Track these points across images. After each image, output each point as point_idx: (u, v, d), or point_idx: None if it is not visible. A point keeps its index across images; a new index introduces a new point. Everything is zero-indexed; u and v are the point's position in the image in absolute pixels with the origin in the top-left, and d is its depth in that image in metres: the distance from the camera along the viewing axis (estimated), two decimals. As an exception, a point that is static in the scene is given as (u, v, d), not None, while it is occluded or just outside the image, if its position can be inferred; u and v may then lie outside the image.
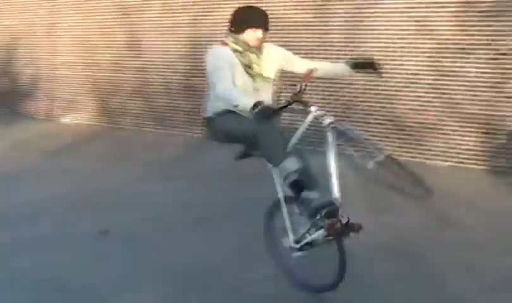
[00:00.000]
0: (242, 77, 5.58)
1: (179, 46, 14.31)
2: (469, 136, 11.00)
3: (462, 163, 11.07)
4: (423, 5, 11.35)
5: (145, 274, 5.77)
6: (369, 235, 6.77)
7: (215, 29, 13.56)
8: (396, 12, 11.62)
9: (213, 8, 13.82)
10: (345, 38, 12.15)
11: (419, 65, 11.42)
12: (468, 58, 10.98)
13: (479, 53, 10.89)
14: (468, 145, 11.04)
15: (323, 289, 5.24)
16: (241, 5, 6.05)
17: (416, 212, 7.81)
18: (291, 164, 5.19)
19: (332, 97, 12.30)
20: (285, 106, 5.38)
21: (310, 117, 5.44)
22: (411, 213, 7.73)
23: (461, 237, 6.79)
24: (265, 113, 4.83)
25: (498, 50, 10.75)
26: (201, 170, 10.33)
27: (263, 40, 5.74)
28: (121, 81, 15.52)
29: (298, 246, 5.30)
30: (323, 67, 6.13)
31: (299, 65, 6.01)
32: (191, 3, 14.22)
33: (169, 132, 14.58)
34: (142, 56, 15.02)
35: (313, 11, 12.52)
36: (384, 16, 11.74)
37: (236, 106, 5.12)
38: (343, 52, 12.11)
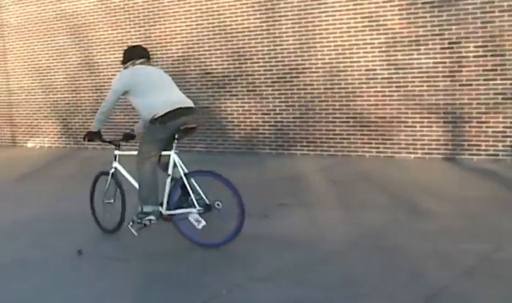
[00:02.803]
0: None
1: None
2: (432, 127, 11.17)
3: (428, 154, 11.25)
4: (370, 0, 11.41)
5: None
6: (338, 231, 6.98)
7: (167, 42, 13.57)
8: (344, 9, 11.67)
9: (162, 21, 13.76)
10: (298, 40, 12.19)
11: (374, 60, 11.52)
12: (420, 49, 11.11)
13: (431, 44, 11.03)
14: (431, 136, 11.21)
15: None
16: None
17: (387, 205, 8.00)
18: None
19: (291, 100, 12.37)
20: None
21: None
22: (382, 207, 7.94)
23: (432, 226, 6.91)
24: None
25: (449, 39, 10.87)
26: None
27: None
28: (79, 101, 15.44)
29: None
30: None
31: None
32: (140, 18, 14.12)
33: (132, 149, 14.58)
34: (98, 74, 14.95)
35: (264, 16, 12.51)
36: (332, 15, 11.79)
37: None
38: (297, 54, 12.19)
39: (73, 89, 15.52)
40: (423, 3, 11.03)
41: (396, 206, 7.95)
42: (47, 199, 9.64)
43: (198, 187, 6.55)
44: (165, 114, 6.40)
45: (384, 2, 11.35)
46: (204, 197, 6.53)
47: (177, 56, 13.67)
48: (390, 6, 11.29)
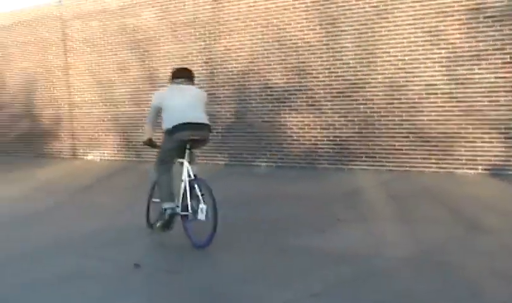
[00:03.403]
0: None
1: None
2: (493, 142, 11.06)
3: (488, 169, 11.14)
4: (432, 15, 11.39)
5: None
6: (396, 246, 6.99)
7: (228, 56, 13.72)
8: (406, 24, 11.66)
9: (224, 35, 13.92)
10: (358, 55, 12.21)
11: (435, 75, 11.47)
12: (481, 64, 11.03)
13: (492, 59, 10.93)
14: (492, 151, 11.10)
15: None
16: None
17: (446, 221, 7.95)
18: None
19: (350, 115, 12.38)
20: None
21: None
22: (441, 223, 7.88)
23: (492, 243, 6.81)
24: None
25: (510, 54, 10.77)
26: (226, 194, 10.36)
27: None
28: (140, 115, 15.68)
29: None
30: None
31: None
32: (201, 32, 14.30)
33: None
34: (158, 88, 15.16)
35: (324, 31, 12.57)
36: (394, 29, 11.79)
37: None
38: (357, 69, 12.21)
39: (134, 103, 15.77)
40: (484, 17, 10.95)
41: (455, 222, 7.89)
42: (108, 211, 9.82)
43: (198, 192, 7.36)
44: (174, 127, 7.48)
45: (445, 16, 11.30)
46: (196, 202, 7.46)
47: (238, 70, 13.81)
48: (451, 21, 11.24)
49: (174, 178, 7.74)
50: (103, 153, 16.68)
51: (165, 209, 7.62)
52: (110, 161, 16.30)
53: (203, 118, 7.64)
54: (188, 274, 6.31)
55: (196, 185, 7.43)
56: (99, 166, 15.60)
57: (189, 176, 7.52)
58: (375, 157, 12.24)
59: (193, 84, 8.01)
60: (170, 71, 7.59)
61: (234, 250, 7.05)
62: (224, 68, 14.03)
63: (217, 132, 14.31)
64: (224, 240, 7.55)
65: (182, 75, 7.96)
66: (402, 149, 11.91)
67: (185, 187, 7.54)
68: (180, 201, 7.65)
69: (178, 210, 7.61)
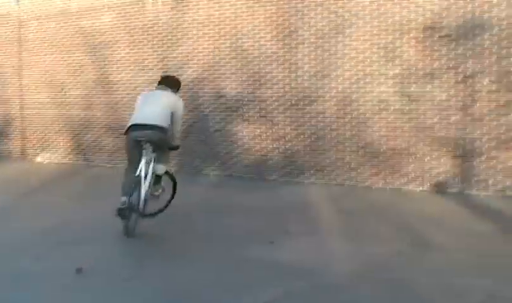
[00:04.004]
0: None
1: (149, 82, 14.33)
2: (442, 160, 11.10)
3: (436, 187, 11.16)
4: (388, 32, 11.45)
5: None
6: (343, 260, 6.94)
7: (183, 63, 13.66)
8: (362, 39, 11.71)
9: (181, 42, 13.86)
10: (313, 68, 12.21)
11: (388, 91, 11.50)
12: (434, 82, 11.09)
13: (445, 77, 11.01)
14: (439, 169, 11.13)
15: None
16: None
17: (393, 237, 7.93)
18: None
19: (302, 128, 12.35)
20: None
21: None
22: (388, 239, 7.86)
23: (438, 260, 6.85)
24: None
25: (463, 73, 10.86)
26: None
27: None
28: (92, 119, 15.49)
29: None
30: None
31: None
32: (158, 38, 14.22)
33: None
34: (112, 93, 15.01)
35: (281, 42, 12.56)
36: (350, 44, 11.83)
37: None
38: (311, 82, 12.20)
39: (86, 106, 15.56)
40: (439, 36, 11.04)
41: (402, 238, 7.90)
42: (59, 212, 9.69)
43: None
44: (127, 128, 8.10)
45: (400, 34, 11.37)
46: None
47: (193, 78, 13.71)
48: (407, 38, 11.31)
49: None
50: (53, 155, 16.39)
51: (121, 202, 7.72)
52: (59, 164, 16.00)
53: (153, 120, 8.02)
54: (136, 281, 6.22)
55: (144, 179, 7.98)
56: (48, 168, 15.34)
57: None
58: (324, 171, 12.20)
59: (172, 91, 8.66)
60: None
61: (180, 261, 6.94)
62: (179, 75, 13.84)
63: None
64: (171, 250, 7.46)
65: (162, 81, 8.82)
66: (351, 164, 11.89)
67: (137, 182, 7.88)
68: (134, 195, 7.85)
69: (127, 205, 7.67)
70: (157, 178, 8.42)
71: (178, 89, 9.04)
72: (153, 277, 6.29)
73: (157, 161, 8.19)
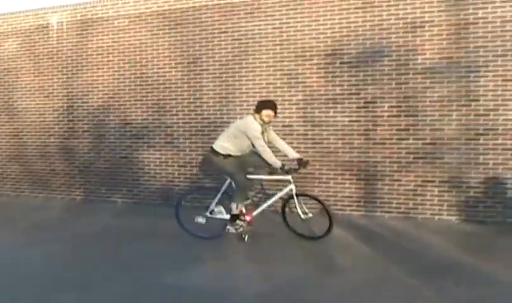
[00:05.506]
0: None
1: (54, 109, 14.11)
2: (345, 183, 11.26)
3: (341, 210, 11.31)
4: (291, 58, 11.58)
5: None
6: (250, 283, 7.05)
7: (88, 90, 13.51)
8: (266, 65, 11.80)
9: (85, 69, 13.71)
10: (217, 94, 12.24)
11: (291, 116, 11.62)
12: (337, 107, 11.27)
13: (347, 103, 11.19)
14: (344, 192, 11.29)
15: None
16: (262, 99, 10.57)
17: (299, 260, 8.07)
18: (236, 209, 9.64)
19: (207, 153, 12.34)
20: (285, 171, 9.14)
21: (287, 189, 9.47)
22: (294, 262, 7.95)
23: (345, 283, 7.05)
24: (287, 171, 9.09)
25: (365, 98, 11.06)
26: (78, 232, 10.16)
27: (271, 119, 9.28)
28: (-4, 148, 15.17)
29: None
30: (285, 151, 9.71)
31: (278, 142, 9.75)
32: (63, 65, 14.03)
33: (49, 195, 14.36)
34: (17, 120, 14.74)
35: (185, 69, 12.56)
36: (253, 70, 11.91)
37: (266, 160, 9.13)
38: (216, 108, 12.22)
39: (-11, 135, 15.23)
40: (341, 63, 11.23)
41: (308, 261, 8.08)
42: None
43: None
44: None
45: (303, 60, 11.52)
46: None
47: (98, 105, 13.56)
48: (310, 65, 11.47)
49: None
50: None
51: None
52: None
53: (216, 147, 9.42)
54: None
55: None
56: None
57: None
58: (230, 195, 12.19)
59: (252, 115, 9.35)
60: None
61: (91, 290, 6.85)
62: (84, 102, 13.77)
63: (73, 166, 13.99)
64: (80, 279, 7.34)
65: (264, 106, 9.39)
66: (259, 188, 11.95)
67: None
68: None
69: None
70: None
71: None
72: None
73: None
